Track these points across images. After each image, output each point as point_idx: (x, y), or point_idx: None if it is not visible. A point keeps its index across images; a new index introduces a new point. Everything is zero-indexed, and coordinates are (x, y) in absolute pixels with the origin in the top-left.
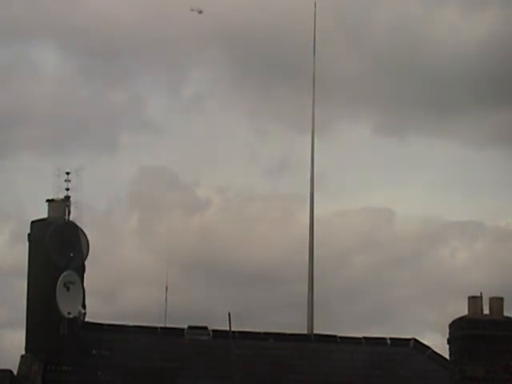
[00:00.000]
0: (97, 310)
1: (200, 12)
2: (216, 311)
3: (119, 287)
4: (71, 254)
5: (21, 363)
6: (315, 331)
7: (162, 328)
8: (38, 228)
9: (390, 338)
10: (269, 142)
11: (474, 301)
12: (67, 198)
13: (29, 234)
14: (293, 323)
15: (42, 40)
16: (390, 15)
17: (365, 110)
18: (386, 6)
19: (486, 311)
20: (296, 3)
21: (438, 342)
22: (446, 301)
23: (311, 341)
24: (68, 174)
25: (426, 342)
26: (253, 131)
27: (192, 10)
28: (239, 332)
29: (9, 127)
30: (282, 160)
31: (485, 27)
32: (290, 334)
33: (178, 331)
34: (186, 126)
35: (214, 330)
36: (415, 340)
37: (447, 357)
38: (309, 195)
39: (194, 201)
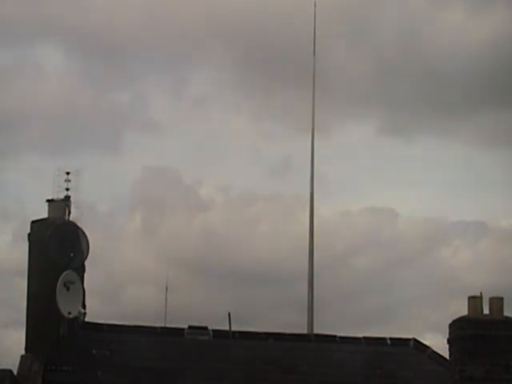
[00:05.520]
0: (97, 310)
1: None
2: (216, 311)
3: (119, 287)
4: (71, 254)
5: (21, 363)
6: (315, 331)
7: (161, 328)
8: (38, 228)
9: (390, 338)
10: (271, 143)
11: (474, 301)
12: (67, 197)
13: (29, 234)
14: (293, 323)
15: (44, 41)
16: (390, 15)
17: (367, 110)
18: (387, 6)
19: (486, 311)
20: (296, 3)
21: (440, 342)
22: (447, 301)
23: (311, 341)
24: (68, 174)
25: (426, 342)
26: (255, 132)
27: None
28: (239, 332)
29: (11, 127)
30: (284, 160)
31: (489, 28)
32: (290, 334)
33: (178, 331)
34: (189, 126)
35: (214, 330)
36: (415, 340)
37: (447, 357)
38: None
39: (196, 201)
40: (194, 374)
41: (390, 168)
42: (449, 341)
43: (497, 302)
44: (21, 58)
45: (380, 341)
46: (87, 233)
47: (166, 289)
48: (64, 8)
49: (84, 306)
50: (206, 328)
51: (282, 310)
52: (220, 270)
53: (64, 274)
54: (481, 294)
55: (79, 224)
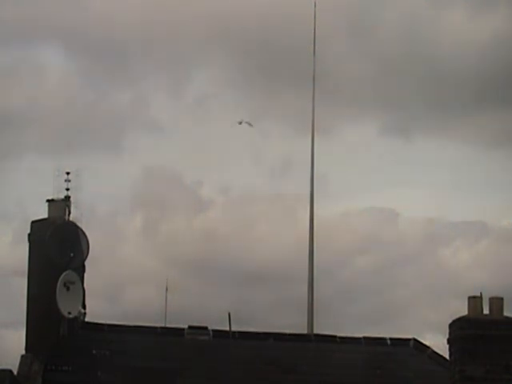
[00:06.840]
0: (97, 310)
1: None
2: (216, 311)
3: (119, 287)
4: (71, 254)
5: (21, 363)
6: (315, 331)
7: (162, 328)
8: (38, 228)
9: (390, 338)
10: (271, 143)
11: (474, 301)
12: (67, 198)
13: (29, 234)
14: (293, 323)
15: (44, 41)
16: (390, 15)
17: (367, 110)
18: (387, 6)
19: (486, 311)
20: (296, 3)
21: (440, 342)
22: (447, 301)
23: (311, 341)
24: (68, 174)
25: (426, 342)
26: (255, 132)
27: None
28: (239, 332)
29: (11, 127)
30: (285, 160)
31: (490, 28)
32: (290, 334)
33: (178, 331)
34: (189, 126)
35: (214, 330)
36: (415, 340)
37: (447, 357)
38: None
39: (196, 201)
40: (194, 373)
41: (390, 168)
42: (449, 341)
43: (497, 302)
44: (21, 58)
45: (380, 341)
46: (87, 233)
47: (166, 289)
48: (64, 8)
49: (84, 306)
50: (206, 328)
51: (282, 310)
52: (220, 270)
53: (64, 274)
54: (481, 294)
55: (79, 224)
